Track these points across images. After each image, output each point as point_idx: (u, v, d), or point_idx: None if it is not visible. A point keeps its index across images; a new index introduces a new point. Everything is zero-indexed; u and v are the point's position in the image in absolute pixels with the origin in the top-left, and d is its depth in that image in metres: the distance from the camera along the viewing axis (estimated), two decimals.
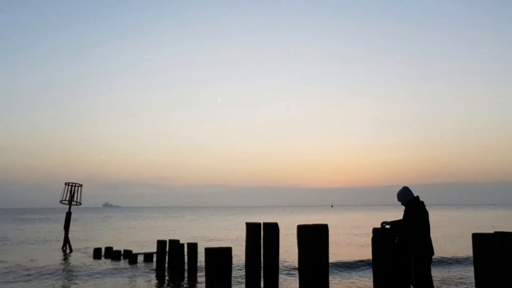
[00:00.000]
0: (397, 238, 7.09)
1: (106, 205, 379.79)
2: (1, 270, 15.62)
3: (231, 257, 11.61)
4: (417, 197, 7.30)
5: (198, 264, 13.05)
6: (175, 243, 13.46)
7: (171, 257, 13.88)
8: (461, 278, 12.76)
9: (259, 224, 10.16)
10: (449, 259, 16.80)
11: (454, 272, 13.84)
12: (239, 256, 14.10)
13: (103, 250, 19.05)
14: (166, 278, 13.36)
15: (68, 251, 22.03)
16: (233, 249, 9.92)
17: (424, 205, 7.24)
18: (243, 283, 10.85)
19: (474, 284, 7.26)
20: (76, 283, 12.93)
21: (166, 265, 14.43)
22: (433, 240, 7.23)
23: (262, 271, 9.92)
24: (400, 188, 7.44)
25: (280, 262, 10.18)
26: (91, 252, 19.66)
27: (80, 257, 19.36)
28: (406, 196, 7.29)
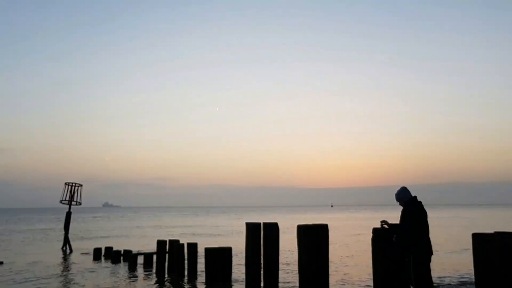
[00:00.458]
0: (394, 236, 7.11)
1: (106, 205, 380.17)
2: (1, 271, 15.62)
3: (231, 257, 11.62)
4: (415, 197, 7.31)
5: (198, 264, 13.05)
6: (175, 243, 13.44)
7: (171, 257, 13.86)
8: (461, 278, 12.77)
9: (259, 224, 10.17)
10: (449, 259, 16.80)
11: (454, 272, 13.84)
12: (239, 256, 14.11)
13: (103, 250, 19.04)
14: (166, 278, 13.35)
15: (68, 251, 22.03)
16: (233, 249, 9.93)
17: (422, 205, 7.25)
18: (243, 283, 10.85)
19: (474, 284, 7.25)
20: (76, 283, 12.92)
21: (166, 265, 14.41)
22: (432, 240, 7.24)
23: (262, 271, 9.93)
24: (399, 188, 7.46)
25: (280, 262, 10.17)
26: (91, 252, 19.65)
27: (80, 257, 19.40)
28: (404, 196, 7.31)
